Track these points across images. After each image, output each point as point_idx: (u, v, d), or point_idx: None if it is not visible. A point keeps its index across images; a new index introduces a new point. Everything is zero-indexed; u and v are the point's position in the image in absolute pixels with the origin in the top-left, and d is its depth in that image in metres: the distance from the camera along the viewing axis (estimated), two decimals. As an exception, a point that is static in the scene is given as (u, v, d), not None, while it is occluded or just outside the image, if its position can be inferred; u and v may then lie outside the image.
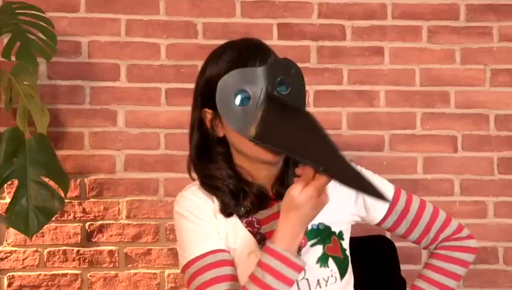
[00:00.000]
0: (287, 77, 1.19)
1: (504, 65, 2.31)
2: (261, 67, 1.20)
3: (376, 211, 1.38)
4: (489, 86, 2.31)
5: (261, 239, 1.28)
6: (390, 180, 1.41)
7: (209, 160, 1.30)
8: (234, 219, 1.29)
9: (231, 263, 1.27)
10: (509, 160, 2.30)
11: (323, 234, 1.30)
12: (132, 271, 2.21)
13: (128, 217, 2.21)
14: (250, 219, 1.29)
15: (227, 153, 1.31)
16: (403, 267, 1.65)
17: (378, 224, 1.40)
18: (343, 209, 1.34)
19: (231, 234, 1.29)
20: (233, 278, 1.25)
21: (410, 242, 1.45)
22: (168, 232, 2.21)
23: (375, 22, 2.31)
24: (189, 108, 1.32)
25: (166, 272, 2.21)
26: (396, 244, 1.72)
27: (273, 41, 2.25)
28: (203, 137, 1.30)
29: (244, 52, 1.24)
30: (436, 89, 2.30)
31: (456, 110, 2.30)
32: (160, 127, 2.23)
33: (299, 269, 1.16)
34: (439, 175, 2.29)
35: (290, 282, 1.15)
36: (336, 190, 1.22)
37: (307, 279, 1.27)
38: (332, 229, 1.31)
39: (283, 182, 1.29)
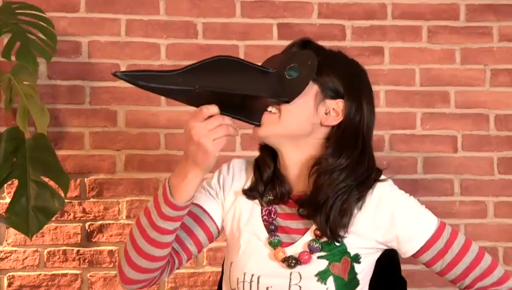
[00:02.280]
0: (299, 66, 1.29)
1: (504, 65, 2.31)
2: (283, 54, 1.36)
3: (409, 245, 1.31)
4: (489, 86, 2.31)
5: (272, 230, 1.32)
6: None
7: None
8: (255, 204, 1.36)
9: (192, 214, 1.35)
10: (509, 160, 2.30)
11: (335, 251, 1.28)
12: (132, 271, 2.20)
13: (128, 217, 2.21)
14: (270, 207, 1.34)
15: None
16: (403, 267, 1.64)
17: (414, 257, 1.33)
18: (369, 235, 1.30)
19: (245, 216, 1.35)
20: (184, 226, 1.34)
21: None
22: (168, 232, 2.21)
23: (375, 22, 2.31)
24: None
25: (166, 272, 2.21)
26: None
27: (273, 41, 2.26)
28: None
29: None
30: (436, 89, 2.30)
31: (456, 110, 2.30)
32: (160, 127, 2.23)
33: (170, 205, 1.21)
34: (439, 175, 2.28)
35: (161, 213, 1.22)
36: (368, 215, 1.28)
37: (300, 286, 1.26)
38: (348, 250, 1.29)
39: (312, 196, 1.29)
